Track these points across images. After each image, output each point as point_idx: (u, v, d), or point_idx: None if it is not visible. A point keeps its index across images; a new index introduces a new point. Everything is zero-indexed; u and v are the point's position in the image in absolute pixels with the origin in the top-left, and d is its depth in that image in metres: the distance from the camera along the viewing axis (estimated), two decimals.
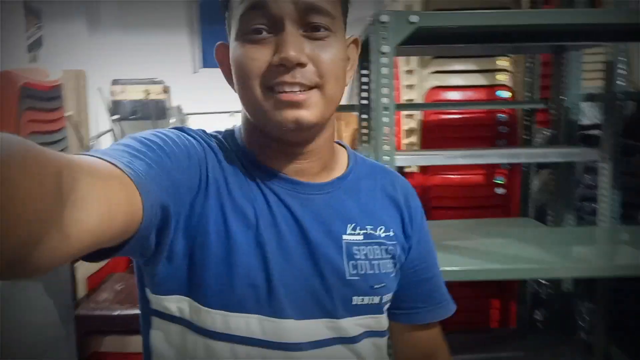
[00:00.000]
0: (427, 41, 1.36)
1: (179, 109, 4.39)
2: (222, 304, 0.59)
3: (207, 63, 4.78)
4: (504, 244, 1.41)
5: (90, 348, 1.99)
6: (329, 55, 0.58)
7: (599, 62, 1.70)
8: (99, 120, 4.35)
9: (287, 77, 0.56)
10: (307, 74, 0.57)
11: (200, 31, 4.71)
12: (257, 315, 0.59)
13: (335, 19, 0.59)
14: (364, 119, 1.59)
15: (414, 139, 2.14)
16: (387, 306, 0.70)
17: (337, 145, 0.71)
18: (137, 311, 2.06)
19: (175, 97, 4.44)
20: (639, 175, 1.93)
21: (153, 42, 4.49)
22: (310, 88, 0.57)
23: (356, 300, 0.64)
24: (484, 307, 2.08)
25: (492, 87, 2.08)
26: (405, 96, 2.12)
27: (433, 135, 2.07)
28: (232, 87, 0.64)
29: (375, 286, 0.66)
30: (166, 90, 4.33)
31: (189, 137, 0.61)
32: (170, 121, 4.32)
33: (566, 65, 1.80)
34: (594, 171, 1.97)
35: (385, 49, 1.06)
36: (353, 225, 0.66)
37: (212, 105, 4.31)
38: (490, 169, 2.05)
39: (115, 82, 4.35)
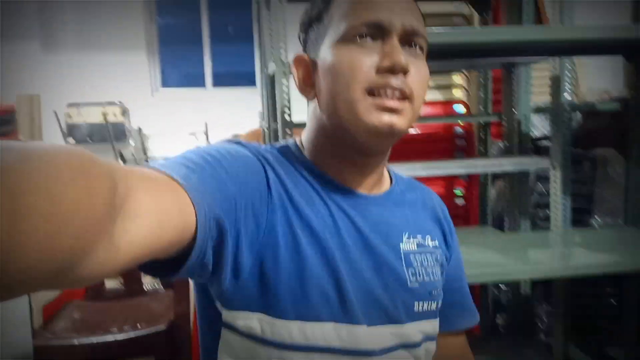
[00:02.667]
0: None
1: (139, 130, 4.33)
2: (297, 314, 0.59)
3: (166, 83, 4.75)
4: (465, 251, 1.44)
5: None
6: (423, 72, 0.62)
7: (548, 77, 1.80)
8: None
9: (394, 81, 0.59)
10: (408, 82, 0.60)
11: (159, 52, 4.69)
12: (332, 323, 0.59)
13: (425, 46, 0.64)
14: None
15: None
16: None
17: None
18: (98, 340, 1.95)
19: (134, 119, 4.38)
20: (587, 182, 2.05)
21: (111, 63, 4.42)
22: (405, 98, 0.60)
23: (417, 306, 0.66)
24: None
25: (449, 103, 2.17)
26: None
27: (393, 149, 2.12)
28: (306, 96, 0.66)
29: (433, 292, 0.68)
30: (124, 112, 4.26)
31: (246, 151, 0.61)
32: (131, 143, 4.25)
33: (516, 80, 1.91)
34: (546, 179, 2.07)
35: None
36: (407, 234, 0.68)
37: (172, 126, 4.28)
38: (449, 181, 2.13)
39: (71, 104, 4.24)
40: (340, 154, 0.65)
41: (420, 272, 0.67)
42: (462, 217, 2.14)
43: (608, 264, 1.28)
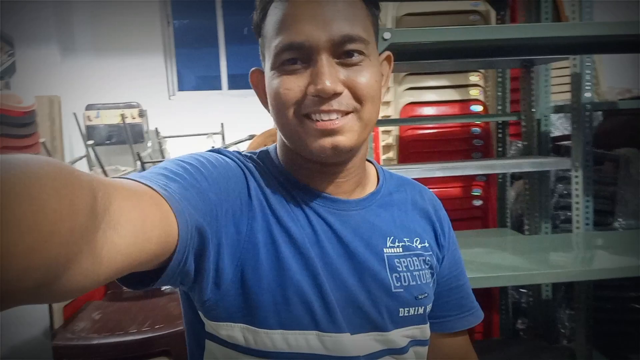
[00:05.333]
0: (400, 58, 1.40)
1: (156, 132, 4.36)
2: (279, 323, 0.58)
3: (182, 86, 4.79)
4: (484, 253, 1.44)
5: None
6: (365, 79, 0.58)
7: (567, 76, 1.76)
8: (74, 145, 4.30)
9: (324, 107, 0.57)
10: (343, 100, 0.57)
11: (175, 54, 4.73)
12: (315, 332, 0.59)
13: (370, 44, 0.59)
14: None
15: (391, 154, 2.18)
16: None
17: (366, 162, 0.71)
18: (117, 340, 1.98)
19: (152, 121, 4.42)
20: (609, 182, 2.00)
21: (128, 66, 4.47)
22: (347, 113, 0.58)
23: (402, 312, 0.65)
24: None
25: (466, 102, 2.14)
26: (381, 113, 2.16)
27: (410, 150, 2.11)
28: (267, 110, 0.65)
29: (419, 297, 0.66)
30: (142, 114, 4.30)
31: (227, 159, 0.61)
32: (148, 145, 4.29)
33: (535, 79, 1.87)
34: (566, 180, 2.03)
35: None
36: (392, 238, 0.66)
37: (189, 128, 4.30)
38: (467, 182, 2.10)
39: (89, 107, 4.30)
40: (304, 164, 0.64)
41: (406, 277, 0.65)
42: (480, 218, 2.11)
43: (631, 267, 1.24)
